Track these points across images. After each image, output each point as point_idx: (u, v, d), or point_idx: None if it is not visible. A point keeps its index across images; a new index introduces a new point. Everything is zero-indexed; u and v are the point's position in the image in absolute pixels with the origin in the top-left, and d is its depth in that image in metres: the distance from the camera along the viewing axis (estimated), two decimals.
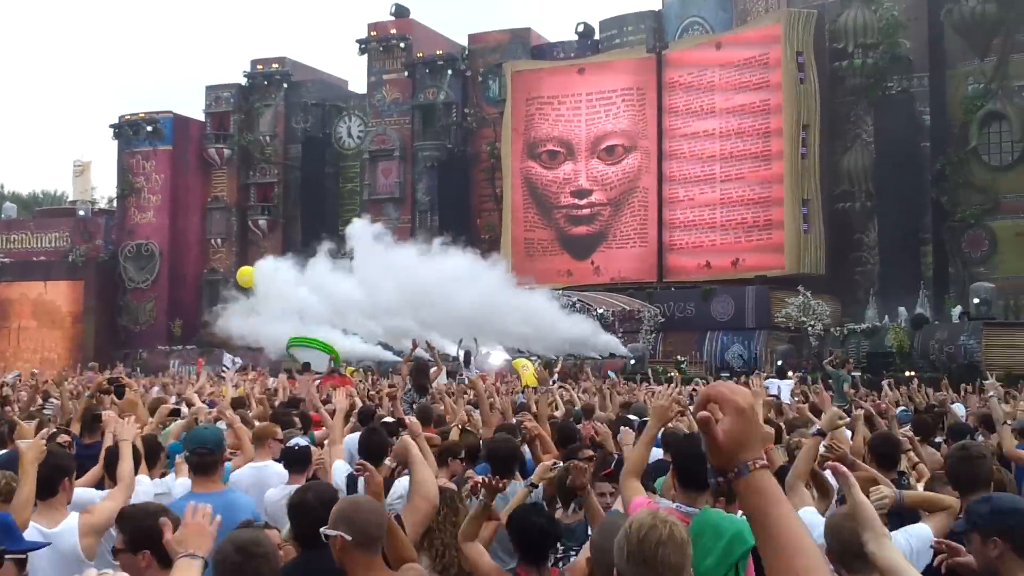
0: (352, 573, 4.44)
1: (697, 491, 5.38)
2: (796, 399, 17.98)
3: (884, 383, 20.91)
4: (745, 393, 2.63)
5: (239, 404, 13.97)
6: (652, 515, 3.57)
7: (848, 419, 6.64)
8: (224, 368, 33.86)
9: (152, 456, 7.86)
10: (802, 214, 42.29)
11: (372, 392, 19.88)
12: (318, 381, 22.28)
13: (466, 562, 5.56)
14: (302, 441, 8.53)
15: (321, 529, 4.50)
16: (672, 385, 21.55)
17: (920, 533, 5.44)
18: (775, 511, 2.52)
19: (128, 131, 56.08)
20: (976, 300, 33.75)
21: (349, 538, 4.38)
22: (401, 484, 7.02)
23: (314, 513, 4.77)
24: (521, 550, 5.47)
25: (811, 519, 5.45)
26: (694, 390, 20.40)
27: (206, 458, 6.64)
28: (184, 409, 12.06)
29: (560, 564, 5.76)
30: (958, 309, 36.33)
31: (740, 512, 5.83)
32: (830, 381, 22.47)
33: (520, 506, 5.97)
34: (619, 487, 5.99)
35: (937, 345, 33.51)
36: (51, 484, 6.04)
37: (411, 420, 7.78)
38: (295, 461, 7.91)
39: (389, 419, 10.27)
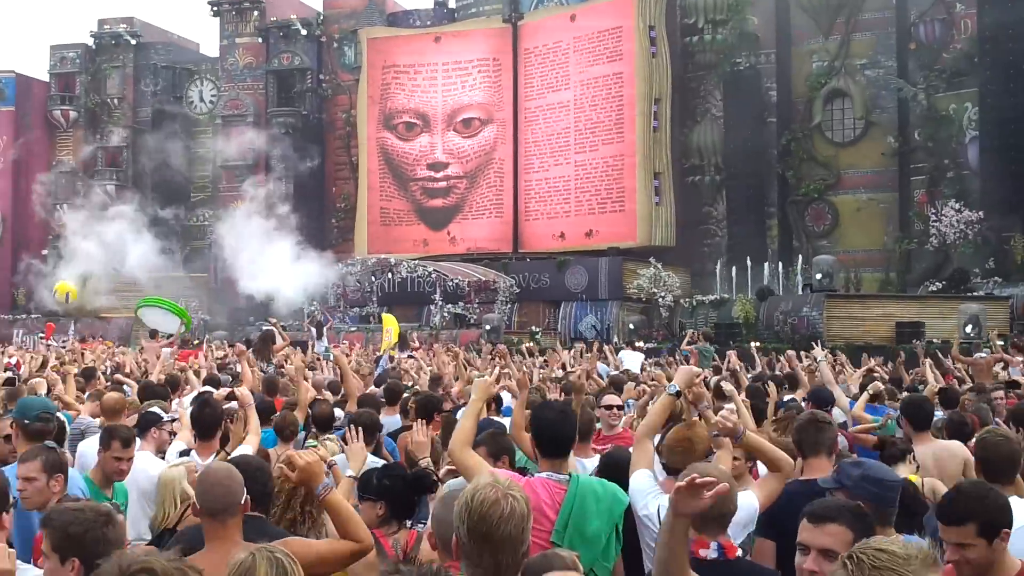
0: (206, 537, 4.54)
1: (560, 457, 5.45)
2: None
3: (729, 353, 21.62)
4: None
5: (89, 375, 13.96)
6: (494, 487, 3.53)
7: (702, 375, 6.65)
8: (50, 344, 33.13)
9: None
10: (654, 187, 43.12)
11: (227, 358, 19.92)
12: (169, 350, 21.99)
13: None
14: (157, 409, 8.64)
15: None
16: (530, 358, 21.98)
17: (745, 503, 5.38)
18: None
19: None
20: (818, 273, 34.80)
21: (198, 504, 4.57)
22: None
23: None
24: (387, 508, 5.49)
25: (642, 484, 5.53)
26: (544, 361, 20.89)
27: (49, 424, 6.59)
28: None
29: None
30: (800, 281, 37.59)
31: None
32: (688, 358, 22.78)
33: (384, 465, 6.01)
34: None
35: (781, 316, 34.50)
36: None
37: (241, 392, 7.92)
38: (143, 427, 7.96)
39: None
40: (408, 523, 5.58)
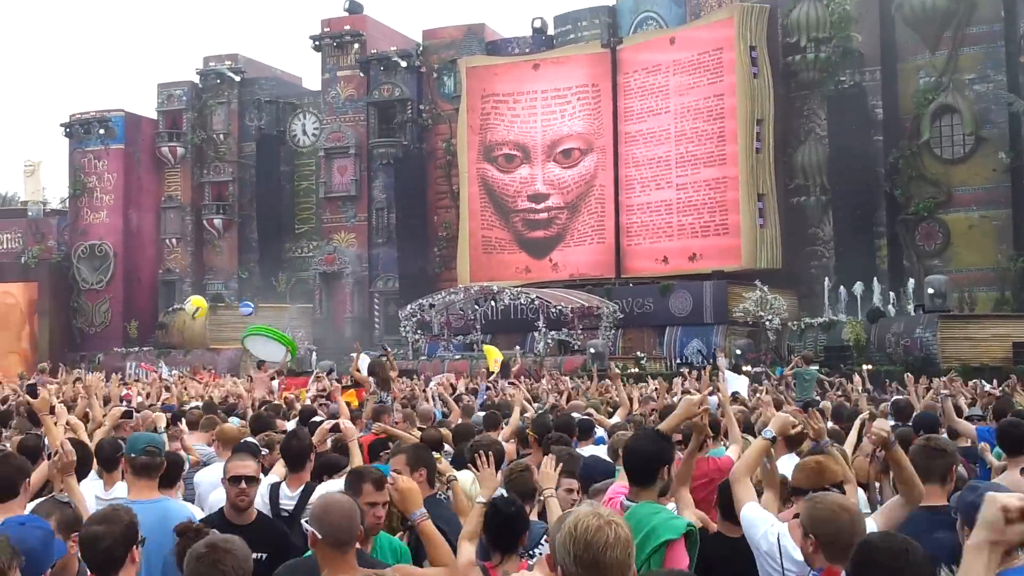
0: (323, 567, 4.62)
1: (641, 486, 5.47)
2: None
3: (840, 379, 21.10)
4: None
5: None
6: (596, 515, 3.54)
7: (800, 425, 6.64)
8: (161, 375, 33.78)
9: (111, 461, 7.40)
10: (758, 209, 42.56)
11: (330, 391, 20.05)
12: (276, 380, 22.24)
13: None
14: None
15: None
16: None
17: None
18: None
19: (80, 130, 55.59)
20: (931, 291, 34.10)
21: (319, 536, 4.60)
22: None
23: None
24: (489, 539, 5.43)
25: (754, 514, 5.52)
26: (655, 388, 20.58)
27: (156, 458, 6.49)
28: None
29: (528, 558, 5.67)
30: (912, 302, 36.81)
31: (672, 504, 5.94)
32: (794, 381, 22.49)
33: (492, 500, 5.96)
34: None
35: (893, 338, 33.88)
36: (13, 486, 5.92)
37: (345, 425, 7.94)
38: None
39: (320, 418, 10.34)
40: (521, 553, 5.50)
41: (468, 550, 5.47)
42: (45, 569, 4.30)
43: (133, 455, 6.47)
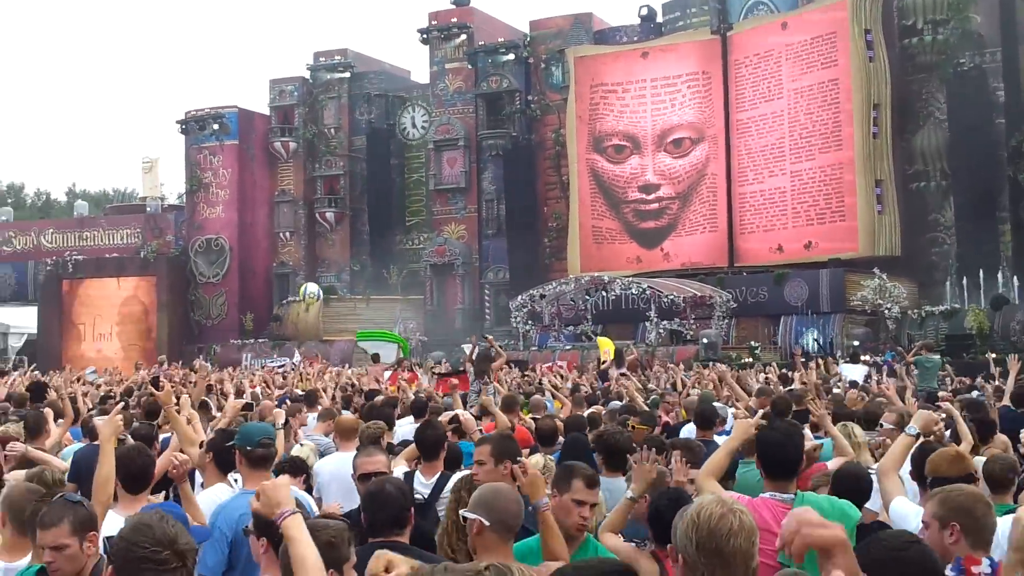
0: (481, 554, 4.63)
1: (786, 479, 5.54)
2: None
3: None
4: (836, 526, 3.28)
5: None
6: (720, 503, 3.55)
7: (942, 420, 6.72)
8: (279, 367, 34.35)
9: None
10: (875, 195, 41.74)
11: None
12: (389, 373, 22.49)
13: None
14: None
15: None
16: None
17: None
18: None
19: (194, 127, 56.48)
20: None
21: (487, 523, 4.67)
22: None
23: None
24: (655, 533, 5.49)
25: (903, 508, 5.63)
26: (767, 378, 20.32)
27: (271, 449, 6.58)
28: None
29: None
30: None
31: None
32: (916, 370, 22.10)
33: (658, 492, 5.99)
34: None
35: (1019, 326, 33.07)
36: (147, 477, 6.14)
37: (465, 417, 8.03)
38: (373, 445, 8.02)
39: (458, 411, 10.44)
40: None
41: (613, 539, 5.69)
42: None
43: (249, 448, 6.47)
